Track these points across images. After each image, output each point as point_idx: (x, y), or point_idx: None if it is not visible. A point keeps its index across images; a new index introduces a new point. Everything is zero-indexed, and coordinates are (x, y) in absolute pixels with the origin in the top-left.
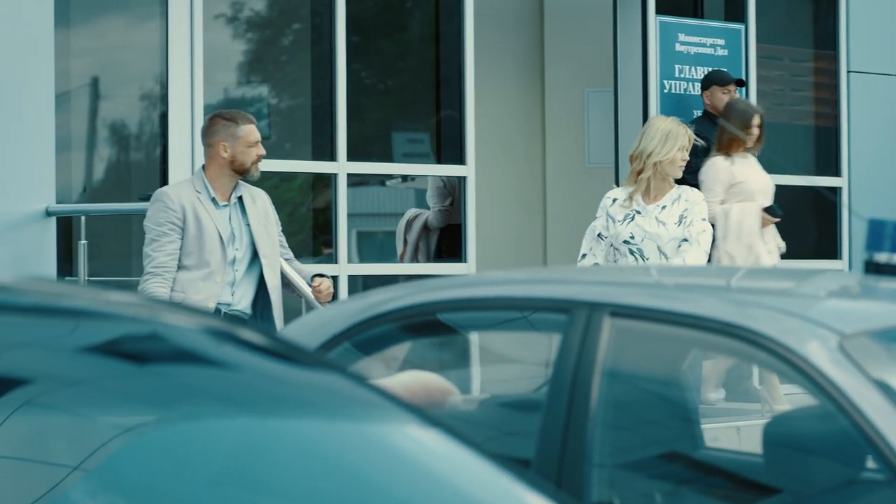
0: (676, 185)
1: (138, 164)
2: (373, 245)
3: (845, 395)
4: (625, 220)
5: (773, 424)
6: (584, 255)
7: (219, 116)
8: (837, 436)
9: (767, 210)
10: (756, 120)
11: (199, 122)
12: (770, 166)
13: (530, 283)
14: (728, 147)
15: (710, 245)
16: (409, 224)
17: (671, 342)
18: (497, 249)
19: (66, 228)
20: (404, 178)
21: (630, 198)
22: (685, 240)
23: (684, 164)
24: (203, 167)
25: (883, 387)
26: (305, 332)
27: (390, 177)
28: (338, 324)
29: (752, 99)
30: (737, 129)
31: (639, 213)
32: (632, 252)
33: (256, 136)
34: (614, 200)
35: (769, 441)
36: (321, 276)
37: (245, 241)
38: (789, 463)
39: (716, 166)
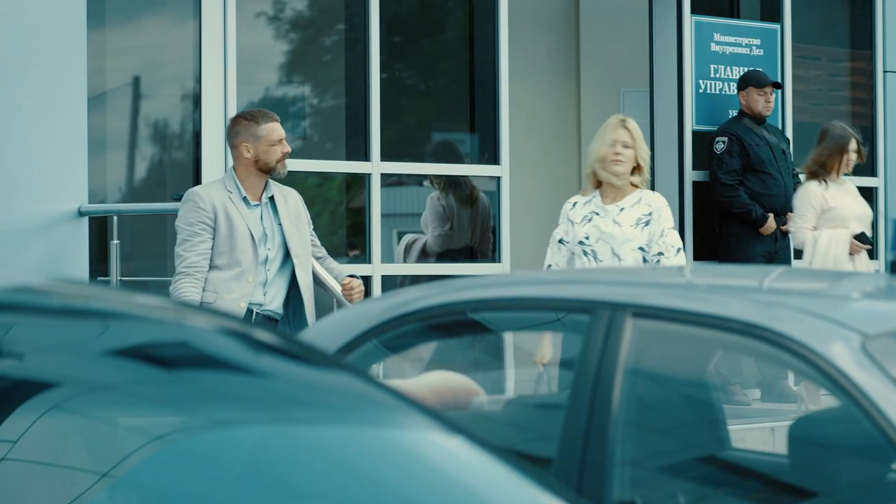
0: (639, 189)
1: (176, 164)
2: None
3: (867, 395)
4: (582, 221)
5: (796, 426)
6: (549, 266)
7: (240, 117)
8: (859, 437)
9: (859, 237)
10: (853, 145)
11: None
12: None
13: (553, 283)
14: (822, 170)
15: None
16: (407, 248)
17: (693, 343)
18: (533, 250)
19: (101, 228)
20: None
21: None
22: (661, 253)
23: (617, 158)
24: (233, 167)
25: None
26: (332, 330)
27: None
28: (364, 322)
29: (788, 99)
30: (831, 151)
31: (597, 214)
32: (585, 253)
33: (278, 133)
34: (574, 205)
35: (793, 442)
36: (352, 277)
37: (277, 240)
38: (813, 465)
39: (808, 191)
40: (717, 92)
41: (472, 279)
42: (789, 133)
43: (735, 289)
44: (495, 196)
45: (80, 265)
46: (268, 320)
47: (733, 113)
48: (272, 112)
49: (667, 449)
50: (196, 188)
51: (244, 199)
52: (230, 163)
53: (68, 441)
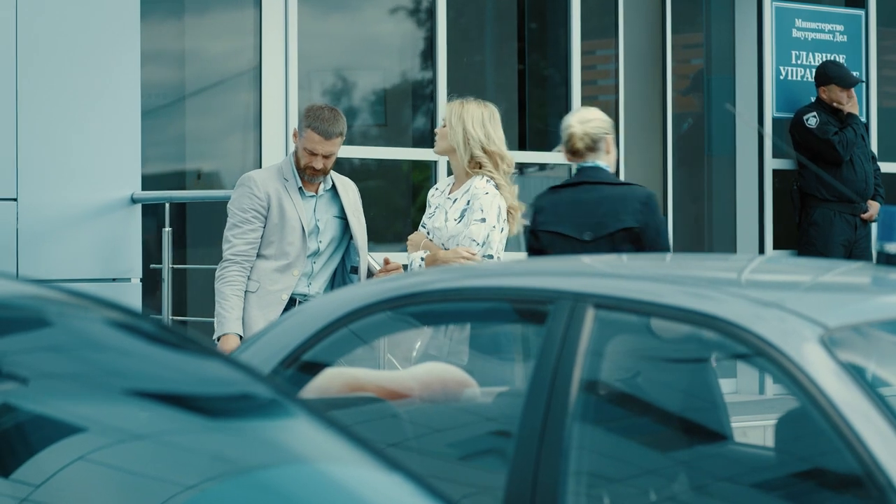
0: (477, 176)
1: (239, 150)
2: None
3: (822, 390)
4: (430, 215)
5: (780, 421)
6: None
7: (308, 106)
8: (817, 434)
9: None
10: None
11: (293, 108)
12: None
13: (515, 273)
14: None
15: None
16: None
17: (653, 334)
18: None
19: (178, 215)
20: (542, 166)
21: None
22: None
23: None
24: (292, 153)
25: (863, 382)
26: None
27: (528, 165)
28: (326, 316)
29: (873, 86)
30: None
31: (439, 206)
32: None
33: (312, 145)
34: (436, 190)
35: (776, 438)
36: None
37: (330, 233)
38: (775, 461)
39: None
40: (799, 78)
41: (442, 269)
42: (874, 120)
43: (697, 279)
44: None
45: (133, 252)
46: None
47: (813, 99)
48: (332, 126)
49: (623, 443)
50: (252, 173)
51: (300, 189)
52: (290, 150)
53: None
